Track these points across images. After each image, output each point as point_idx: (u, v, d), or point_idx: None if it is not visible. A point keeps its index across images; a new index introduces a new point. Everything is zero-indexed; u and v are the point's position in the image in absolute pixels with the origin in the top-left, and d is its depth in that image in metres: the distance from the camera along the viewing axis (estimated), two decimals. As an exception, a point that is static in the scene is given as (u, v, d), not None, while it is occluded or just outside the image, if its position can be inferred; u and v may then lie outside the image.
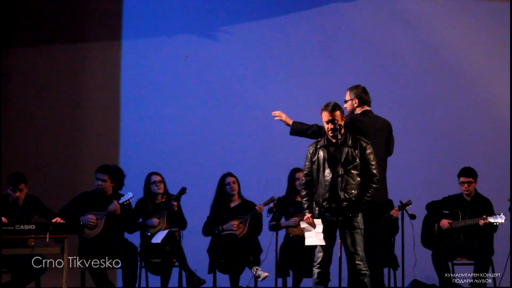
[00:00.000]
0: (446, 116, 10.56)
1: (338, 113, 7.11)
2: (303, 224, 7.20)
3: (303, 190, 7.23)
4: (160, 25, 10.73)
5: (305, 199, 7.20)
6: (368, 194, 7.06)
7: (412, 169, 10.32)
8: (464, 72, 10.58)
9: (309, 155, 7.20)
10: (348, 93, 7.67)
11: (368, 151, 7.10)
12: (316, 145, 7.18)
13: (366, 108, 7.60)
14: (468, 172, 9.00)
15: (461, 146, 10.45)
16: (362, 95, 7.61)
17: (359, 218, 7.08)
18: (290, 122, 7.60)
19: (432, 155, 10.46)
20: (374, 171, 7.09)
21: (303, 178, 7.24)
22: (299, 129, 7.55)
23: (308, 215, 7.14)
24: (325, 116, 7.09)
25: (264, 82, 10.62)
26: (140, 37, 10.72)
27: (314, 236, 7.12)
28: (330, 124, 7.07)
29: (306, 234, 7.18)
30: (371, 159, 7.10)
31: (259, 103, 10.46)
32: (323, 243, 7.08)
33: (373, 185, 7.08)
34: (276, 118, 7.68)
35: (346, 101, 7.64)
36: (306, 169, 7.22)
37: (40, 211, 8.45)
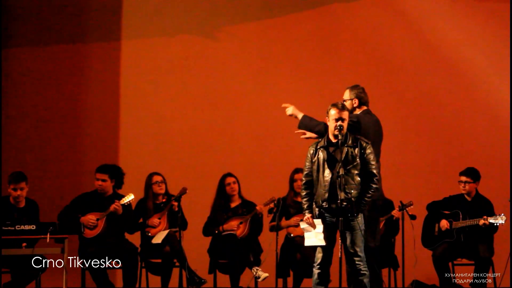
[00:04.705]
0: (446, 116, 10.55)
1: (346, 112, 7.10)
2: (302, 225, 7.20)
3: (303, 191, 7.22)
4: (160, 25, 10.72)
5: (305, 199, 7.20)
6: (368, 195, 7.04)
7: (413, 170, 10.30)
8: (464, 72, 10.57)
9: (309, 156, 7.19)
10: (348, 92, 7.60)
11: (368, 151, 7.07)
12: (316, 146, 7.17)
13: (365, 108, 7.58)
14: (468, 172, 8.95)
15: (461, 146, 10.43)
16: (362, 95, 7.58)
17: (359, 219, 7.07)
18: (300, 115, 7.49)
19: (433, 155, 10.44)
20: (374, 171, 7.07)
21: (303, 179, 7.23)
22: (306, 124, 7.45)
23: (308, 215, 7.14)
24: (334, 114, 7.04)
25: (264, 82, 10.61)
26: (140, 37, 10.71)
27: (314, 237, 7.12)
28: (340, 121, 7.03)
29: (306, 234, 7.18)
30: (371, 159, 7.08)
31: (259, 103, 10.46)
32: (323, 243, 7.08)
33: (373, 185, 7.05)
34: (288, 113, 7.55)
35: (345, 101, 7.57)
36: (306, 170, 7.20)
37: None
